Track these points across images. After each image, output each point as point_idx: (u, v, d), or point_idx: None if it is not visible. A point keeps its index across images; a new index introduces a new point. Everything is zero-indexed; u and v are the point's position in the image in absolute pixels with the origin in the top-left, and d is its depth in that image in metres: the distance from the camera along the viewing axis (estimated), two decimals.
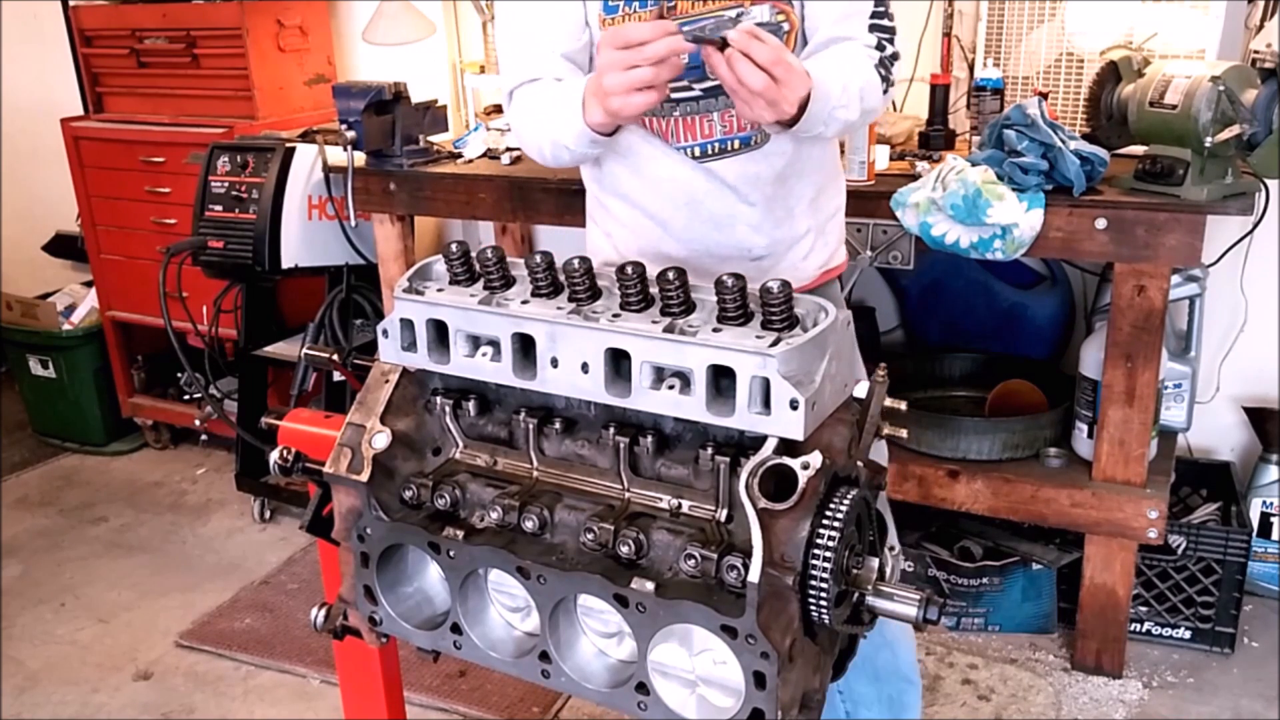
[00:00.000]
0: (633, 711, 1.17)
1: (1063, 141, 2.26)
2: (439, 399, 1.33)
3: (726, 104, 1.59)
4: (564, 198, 2.66)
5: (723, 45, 1.35)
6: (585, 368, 1.16)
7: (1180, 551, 2.59)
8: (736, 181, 1.63)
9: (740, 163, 1.63)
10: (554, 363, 1.18)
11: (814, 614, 1.09)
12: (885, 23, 1.61)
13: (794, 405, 1.05)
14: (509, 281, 1.26)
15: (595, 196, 1.77)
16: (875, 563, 1.16)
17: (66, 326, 3.91)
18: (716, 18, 1.56)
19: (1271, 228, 2.69)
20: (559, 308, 1.20)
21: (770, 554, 1.06)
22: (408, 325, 1.27)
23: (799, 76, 1.40)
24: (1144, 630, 2.68)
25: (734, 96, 1.42)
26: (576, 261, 1.20)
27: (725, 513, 1.17)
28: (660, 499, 1.21)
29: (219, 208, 3.15)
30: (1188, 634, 2.66)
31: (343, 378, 2.13)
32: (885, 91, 1.61)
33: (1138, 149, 2.34)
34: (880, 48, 1.60)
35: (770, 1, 1.57)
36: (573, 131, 1.52)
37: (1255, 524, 2.77)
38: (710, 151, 1.63)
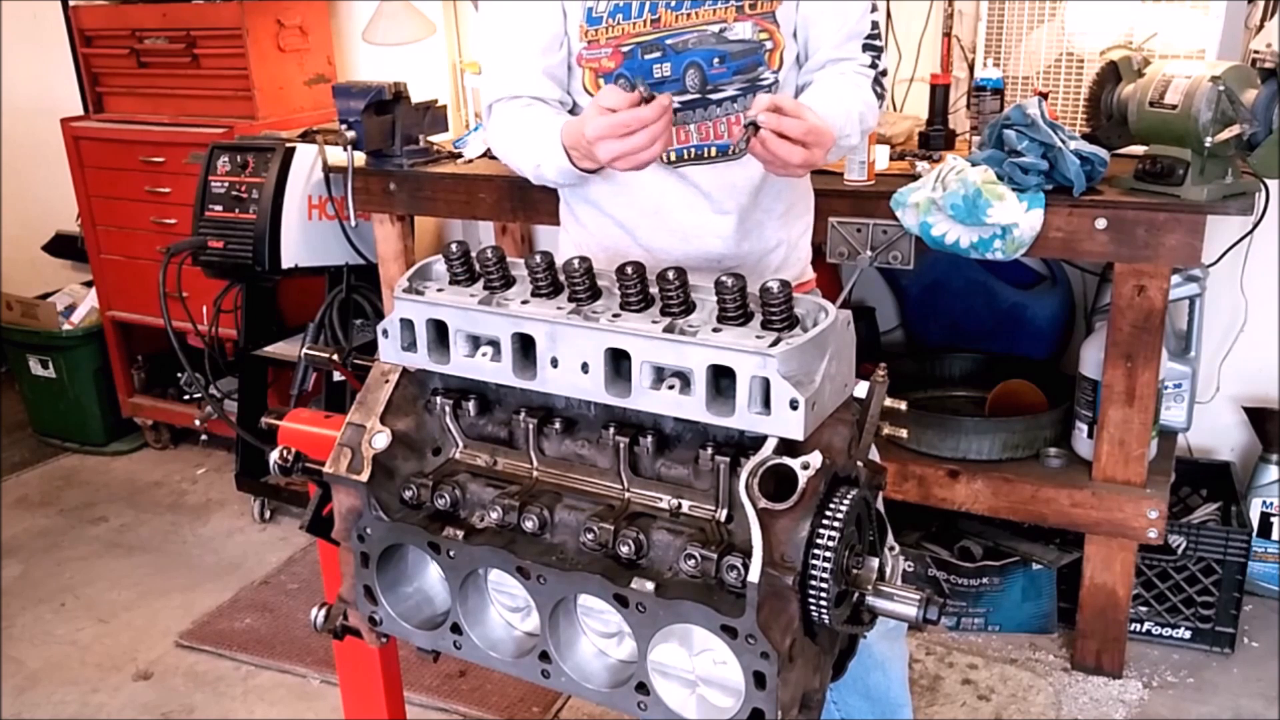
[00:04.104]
0: (633, 711, 1.17)
1: (1063, 141, 2.26)
2: (439, 399, 1.33)
3: (704, 116, 1.62)
4: None
5: (755, 129, 1.39)
6: (585, 368, 1.16)
7: (1180, 551, 2.59)
8: (711, 189, 1.64)
9: (717, 170, 1.64)
10: (554, 363, 1.18)
11: (814, 614, 1.09)
12: (877, 42, 1.67)
13: (794, 405, 1.05)
14: (509, 281, 1.26)
15: (565, 202, 1.78)
16: (875, 563, 1.16)
17: (66, 326, 3.91)
18: (699, 32, 1.57)
19: (1271, 228, 2.69)
20: (559, 308, 1.20)
21: (770, 554, 1.06)
22: (408, 325, 1.27)
23: (826, 135, 1.45)
24: (1144, 630, 2.68)
25: (769, 167, 1.47)
26: (576, 261, 1.20)
27: (725, 513, 1.17)
28: (660, 499, 1.21)
29: (219, 208, 3.15)
30: (1188, 634, 2.66)
31: (343, 378, 2.14)
32: (879, 108, 1.68)
33: (1138, 149, 2.34)
34: (873, 65, 1.66)
35: (754, 19, 1.58)
36: (556, 167, 1.56)
37: (1255, 524, 2.77)
38: (685, 156, 1.64)
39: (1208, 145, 2.15)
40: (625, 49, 1.59)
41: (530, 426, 1.27)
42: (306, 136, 3.23)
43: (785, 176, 1.55)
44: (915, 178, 2.42)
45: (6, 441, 4.15)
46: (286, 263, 3.14)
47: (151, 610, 3.03)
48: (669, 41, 1.58)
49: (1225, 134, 2.14)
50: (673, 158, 1.63)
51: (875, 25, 1.66)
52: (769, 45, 1.60)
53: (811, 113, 1.44)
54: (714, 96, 1.61)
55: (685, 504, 1.20)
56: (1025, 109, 2.30)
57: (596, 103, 1.41)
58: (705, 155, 1.62)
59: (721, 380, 1.11)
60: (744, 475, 1.09)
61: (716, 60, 1.58)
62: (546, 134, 1.55)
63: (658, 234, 1.66)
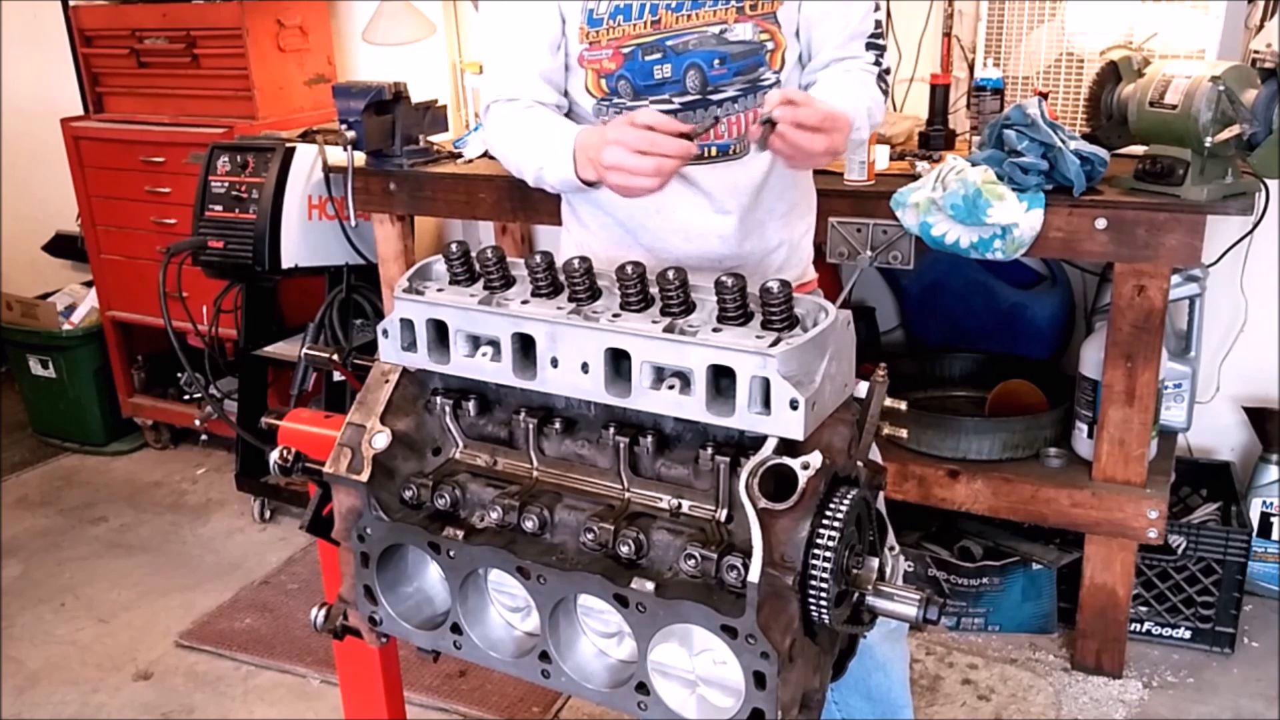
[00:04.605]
0: (633, 711, 1.17)
1: (1063, 141, 2.26)
2: (439, 399, 1.33)
3: (704, 118, 1.61)
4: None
5: (772, 125, 1.40)
6: (585, 368, 1.16)
7: (1180, 551, 2.59)
8: (713, 189, 1.64)
9: (718, 170, 1.64)
10: (554, 363, 1.18)
11: (814, 614, 1.09)
12: (880, 41, 1.69)
13: (794, 405, 1.05)
14: (509, 281, 1.26)
15: (567, 202, 1.79)
16: (875, 563, 1.16)
17: (66, 326, 3.91)
18: (700, 33, 1.57)
19: (1271, 228, 2.69)
20: (559, 308, 1.20)
21: (770, 554, 1.06)
22: (408, 325, 1.27)
23: (842, 120, 1.46)
24: (1144, 630, 2.68)
25: (791, 162, 1.48)
26: (576, 261, 1.20)
27: (725, 513, 1.17)
28: (660, 499, 1.21)
29: (219, 208, 3.15)
30: (1188, 634, 2.66)
31: (343, 378, 2.13)
32: (883, 105, 1.70)
33: (1138, 149, 2.34)
34: (877, 63, 1.68)
35: (754, 20, 1.58)
36: (559, 176, 1.56)
37: (1255, 524, 2.77)
38: None
39: (1208, 145, 2.15)
40: (626, 50, 1.59)
41: (530, 426, 1.27)
42: (306, 136, 3.23)
43: (807, 167, 1.55)
44: (915, 178, 2.42)
45: (6, 441, 4.15)
46: (286, 263, 3.14)
47: (151, 610, 3.03)
48: (669, 43, 1.58)
49: (1225, 134, 2.14)
50: None
51: (878, 24, 1.68)
52: (770, 46, 1.61)
53: (823, 100, 1.45)
54: (714, 97, 1.61)
55: (685, 504, 1.20)
56: (1025, 109, 2.30)
57: (633, 116, 1.42)
58: (706, 155, 1.63)
59: (721, 380, 1.11)
60: (744, 475, 1.09)
61: (717, 61, 1.58)
62: (554, 140, 1.56)
63: (659, 234, 1.66)
